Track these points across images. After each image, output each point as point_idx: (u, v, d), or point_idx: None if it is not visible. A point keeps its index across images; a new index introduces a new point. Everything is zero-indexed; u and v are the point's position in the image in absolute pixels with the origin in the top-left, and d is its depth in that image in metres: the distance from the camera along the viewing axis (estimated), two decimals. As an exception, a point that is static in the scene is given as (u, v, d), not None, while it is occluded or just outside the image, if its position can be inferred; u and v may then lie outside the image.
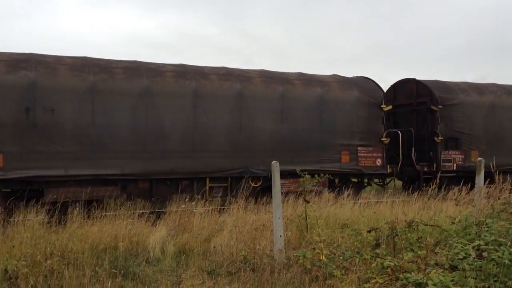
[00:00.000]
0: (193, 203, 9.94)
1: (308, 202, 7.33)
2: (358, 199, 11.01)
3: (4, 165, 10.18)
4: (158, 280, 5.85)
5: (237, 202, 10.06)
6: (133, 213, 9.08)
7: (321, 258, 5.80)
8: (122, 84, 11.43)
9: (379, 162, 14.05)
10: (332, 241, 6.92)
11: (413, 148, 14.78)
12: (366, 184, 14.55)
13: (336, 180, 13.86)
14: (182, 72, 12.40)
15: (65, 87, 10.87)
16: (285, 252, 6.44)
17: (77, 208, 9.29)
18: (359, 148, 13.77)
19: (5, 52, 11.13)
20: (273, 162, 6.64)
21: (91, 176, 10.92)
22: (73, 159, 10.74)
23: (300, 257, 5.82)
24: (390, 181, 15.13)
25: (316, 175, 8.23)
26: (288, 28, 53.01)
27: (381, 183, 14.92)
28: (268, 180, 12.05)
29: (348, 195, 11.33)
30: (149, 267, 6.48)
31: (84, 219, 8.48)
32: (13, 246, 6.45)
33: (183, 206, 9.54)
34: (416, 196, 10.80)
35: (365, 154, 13.86)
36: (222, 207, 10.71)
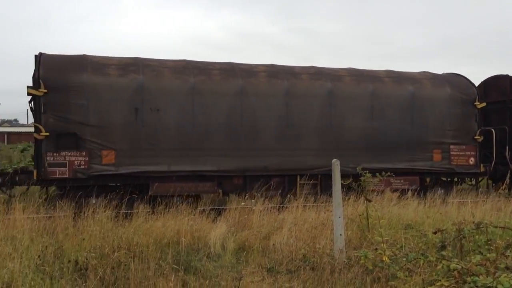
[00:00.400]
0: (252, 200, 10.03)
1: (369, 201, 7.20)
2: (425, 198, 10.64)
3: (116, 162, 11.02)
4: (219, 275, 5.94)
5: (296, 200, 10.02)
6: (195, 209, 9.29)
7: (384, 259, 5.66)
8: (219, 85, 11.99)
9: (472, 161, 13.68)
10: (395, 242, 6.75)
11: (507, 147, 14.22)
12: (457, 183, 14.11)
13: (427, 179, 13.58)
14: (274, 72, 12.75)
15: (169, 88, 11.61)
16: (346, 251, 6.34)
17: (179, 202, 9.84)
18: (451, 146, 13.52)
19: (115, 57, 12.01)
20: (334, 160, 6.57)
21: (191, 172, 11.55)
22: (175, 156, 11.42)
23: (362, 257, 5.72)
24: (481, 180, 14.63)
25: (377, 174, 8.05)
26: (347, 25, 52.31)
27: (473, 183, 14.42)
28: (357, 178, 11.97)
29: (412, 195, 11.00)
30: (210, 262, 6.60)
31: (149, 214, 8.79)
32: (83, 239, 6.79)
33: (242, 203, 9.65)
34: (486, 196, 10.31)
35: (458, 153, 13.55)
36: (282, 205, 10.72)
